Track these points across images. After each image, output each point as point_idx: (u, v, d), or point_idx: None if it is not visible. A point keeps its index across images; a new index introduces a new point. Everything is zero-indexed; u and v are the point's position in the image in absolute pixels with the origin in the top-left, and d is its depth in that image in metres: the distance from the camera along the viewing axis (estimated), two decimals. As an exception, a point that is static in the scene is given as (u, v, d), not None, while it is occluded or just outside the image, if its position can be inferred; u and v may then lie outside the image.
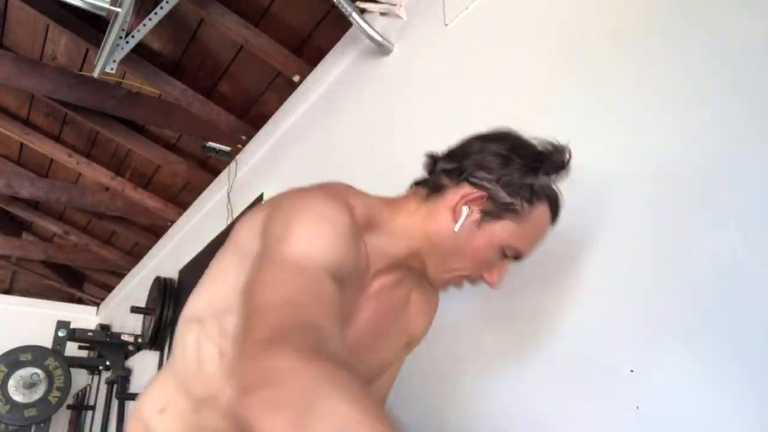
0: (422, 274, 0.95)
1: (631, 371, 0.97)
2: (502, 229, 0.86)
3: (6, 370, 4.20)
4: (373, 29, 1.92)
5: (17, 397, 4.17)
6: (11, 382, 4.18)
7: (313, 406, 0.49)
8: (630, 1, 1.19)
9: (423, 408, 1.42)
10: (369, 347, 0.94)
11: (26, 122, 3.25)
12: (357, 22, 1.90)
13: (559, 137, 1.24)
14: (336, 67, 2.28)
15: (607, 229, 1.10)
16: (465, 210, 0.87)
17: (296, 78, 2.49)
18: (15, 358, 4.24)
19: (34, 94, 2.97)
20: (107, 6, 1.81)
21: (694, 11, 1.04)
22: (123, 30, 2.10)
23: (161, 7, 2.08)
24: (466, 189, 0.88)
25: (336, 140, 2.20)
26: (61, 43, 2.64)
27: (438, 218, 0.90)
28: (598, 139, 1.16)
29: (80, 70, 2.75)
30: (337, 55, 2.27)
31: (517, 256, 0.90)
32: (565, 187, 0.92)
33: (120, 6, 1.83)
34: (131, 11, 1.94)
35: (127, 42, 2.16)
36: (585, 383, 1.05)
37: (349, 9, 1.88)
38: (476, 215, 0.87)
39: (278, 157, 2.65)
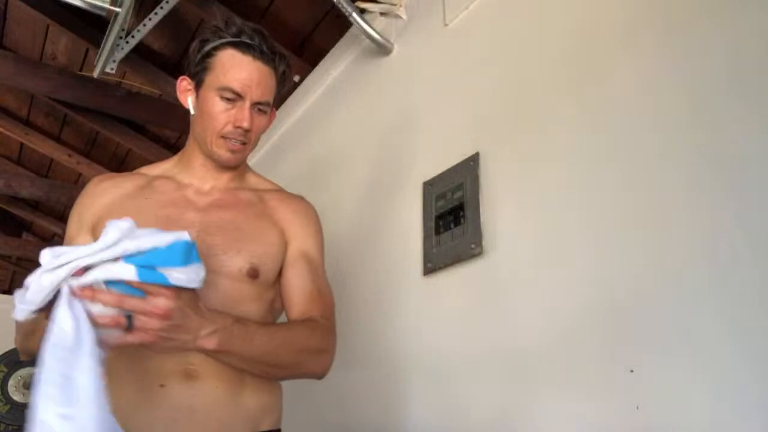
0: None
1: (631, 371, 0.97)
2: (208, 86, 1.07)
3: (6, 370, 4.19)
4: (373, 29, 1.92)
5: (17, 397, 4.17)
6: (11, 382, 4.18)
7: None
8: (630, 2, 1.19)
9: (415, 408, 1.42)
10: None
11: (26, 122, 3.25)
12: (357, 22, 1.90)
13: (559, 139, 1.25)
14: (336, 67, 2.28)
15: (607, 228, 1.10)
16: (189, 99, 1.12)
17: (296, 78, 2.49)
18: (15, 358, 4.23)
19: (34, 94, 2.97)
20: (107, 6, 1.81)
21: (707, 8, 1.04)
22: (123, 30, 2.10)
23: (161, 7, 2.08)
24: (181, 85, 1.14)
25: (336, 140, 2.21)
26: (61, 43, 2.64)
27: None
28: (597, 140, 1.16)
29: (80, 70, 2.75)
30: (337, 55, 2.27)
31: (237, 94, 1.06)
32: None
33: (120, 6, 1.83)
34: (131, 11, 1.94)
35: (127, 42, 2.16)
36: (585, 383, 1.05)
37: (349, 9, 1.88)
38: (192, 94, 1.11)
39: (278, 156, 2.65)
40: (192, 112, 1.12)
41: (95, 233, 1.06)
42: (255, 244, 1.08)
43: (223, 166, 1.13)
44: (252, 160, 2.91)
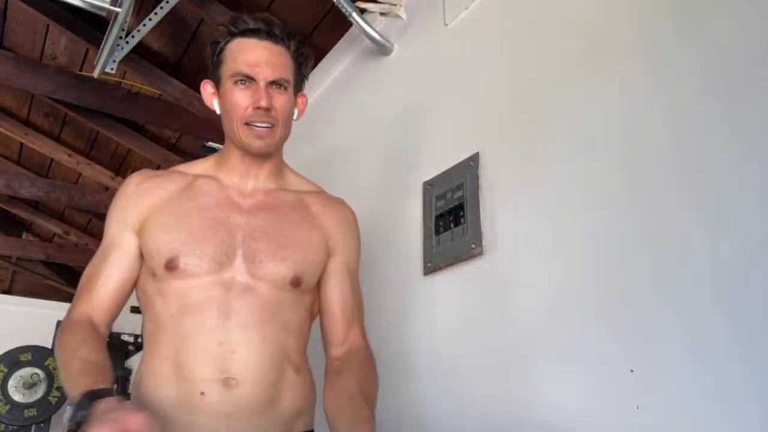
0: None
1: (631, 371, 0.97)
2: (224, 79, 1.09)
3: (6, 370, 4.20)
4: (373, 29, 1.92)
5: (17, 397, 4.17)
6: (11, 382, 4.18)
7: None
8: (628, 2, 1.19)
9: (414, 407, 1.42)
10: None
11: (26, 122, 3.25)
12: (357, 22, 1.90)
13: (560, 139, 1.25)
14: (336, 67, 2.28)
15: (607, 228, 1.10)
16: (214, 101, 1.13)
17: (296, 78, 2.49)
18: (15, 358, 4.24)
19: (34, 94, 2.96)
20: (107, 6, 1.81)
21: (687, 16, 1.04)
22: (123, 30, 2.10)
23: (161, 7, 2.07)
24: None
25: (336, 140, 2.21)
26: (61, 43, 2.65)
27: None
28: (597, 140, 1.16)
29: (80, 70, 2.75)
30: (337, 55, 2.27)
31: (248, 76, 1.06)
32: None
33: (120, 6, 1.83)
34: (131, 11, 1.94)
35: (127, 42, 2.15)
36: (585, 383, 1.05)
37: (349, 9, 1.88)
38: (215, 96, 1.13)
39: (278, 157, 2.65)
40: (218, 111, 1.13)
41: (141, 234, 1.09)
42: (299, 253, 1.09)
43: (258, 155, 1.12)
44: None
